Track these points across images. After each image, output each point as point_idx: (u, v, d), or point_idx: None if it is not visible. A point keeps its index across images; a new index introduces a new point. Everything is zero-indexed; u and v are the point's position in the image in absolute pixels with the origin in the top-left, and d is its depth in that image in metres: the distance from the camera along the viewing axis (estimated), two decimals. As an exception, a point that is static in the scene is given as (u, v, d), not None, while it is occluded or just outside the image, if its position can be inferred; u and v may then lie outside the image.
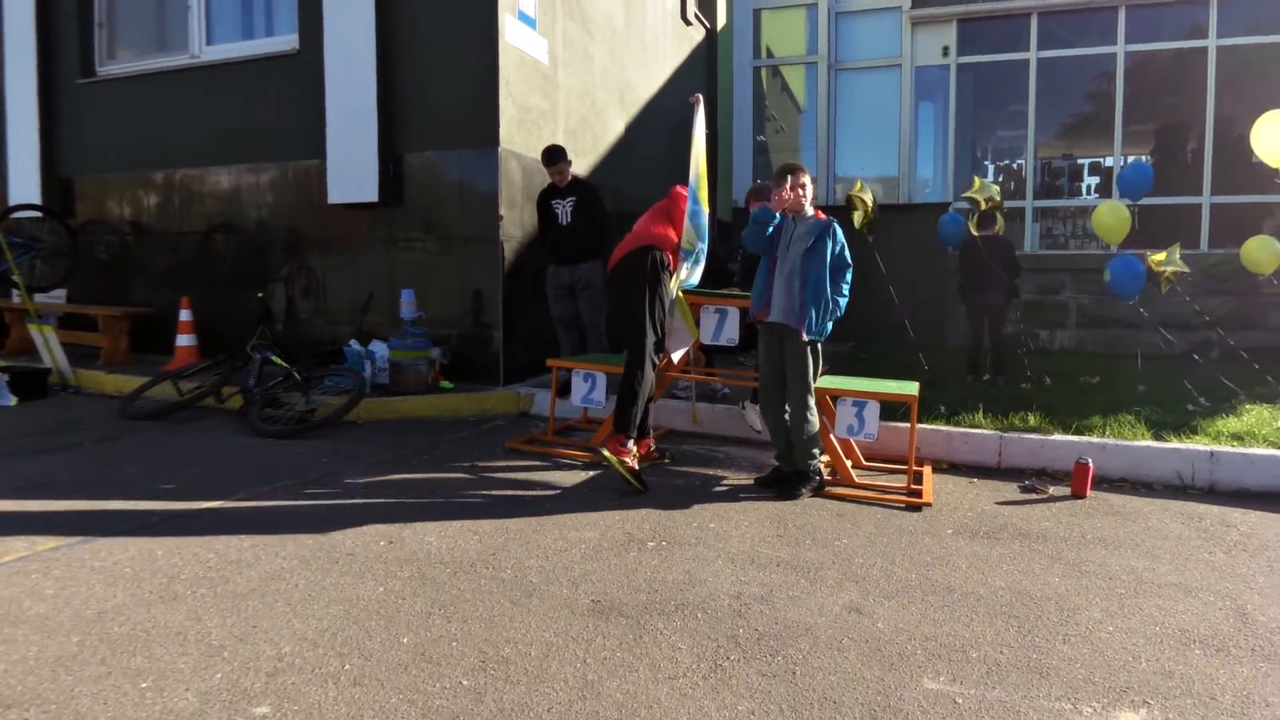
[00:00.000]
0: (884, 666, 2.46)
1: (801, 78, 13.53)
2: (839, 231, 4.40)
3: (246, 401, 5.80)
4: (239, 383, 5.96)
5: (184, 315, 7.25)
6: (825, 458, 4.60)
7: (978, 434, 5.14)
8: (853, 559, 3.40)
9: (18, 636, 2.50)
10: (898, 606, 2.91)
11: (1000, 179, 12.47)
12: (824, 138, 13.03)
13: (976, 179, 8.03)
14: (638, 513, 3.95)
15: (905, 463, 4.71)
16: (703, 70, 12.00)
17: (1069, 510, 4.20)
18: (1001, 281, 7.56)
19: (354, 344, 6.77)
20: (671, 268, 4.72)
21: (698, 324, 5.03)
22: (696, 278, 5.06)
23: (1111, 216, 6.91)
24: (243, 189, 7.62)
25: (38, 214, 8.17)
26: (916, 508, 4.18)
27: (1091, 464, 4.49)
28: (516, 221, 6.88)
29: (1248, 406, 5.73)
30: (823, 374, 4.72)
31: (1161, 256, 6.88)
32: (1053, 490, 4.53)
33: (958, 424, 5.30)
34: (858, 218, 7.23)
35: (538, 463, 4.93)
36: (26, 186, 8.43)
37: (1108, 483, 4.70)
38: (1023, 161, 12.38)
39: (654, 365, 4.61)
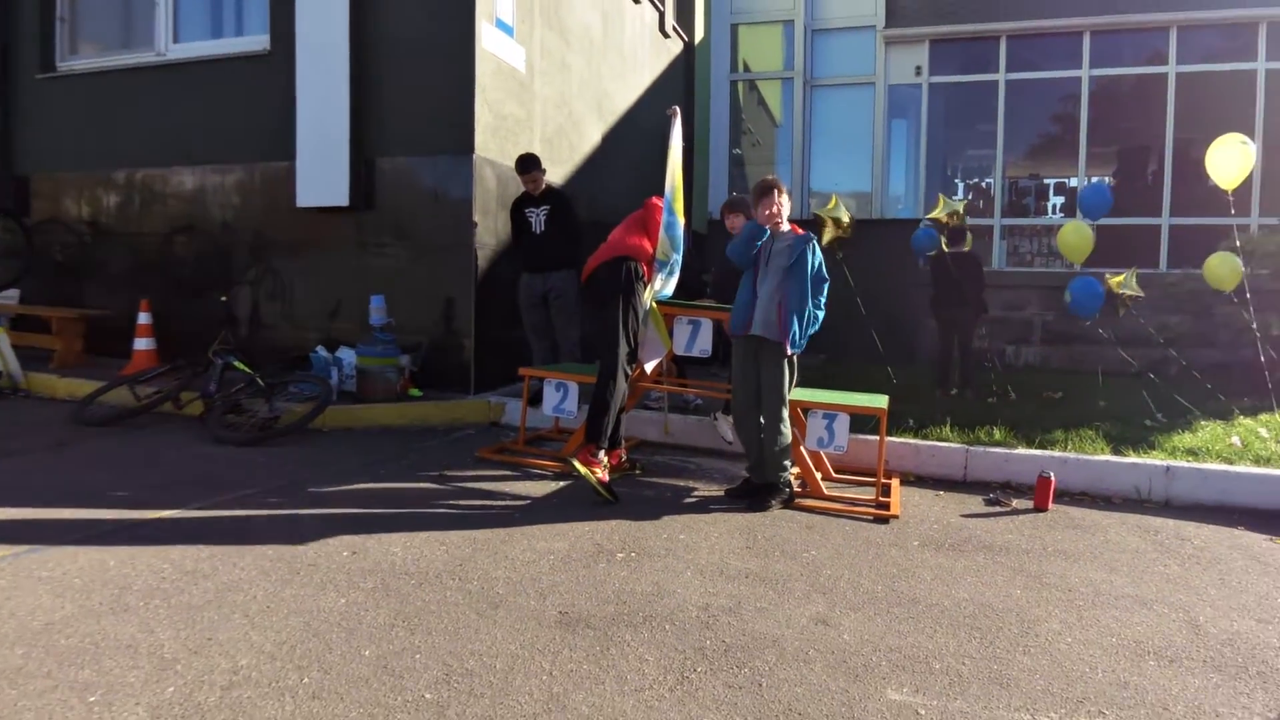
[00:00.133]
0: (849, 678, 2.47)
1: (777, 92, 13.65)
2: (817, 246, 4.47)
3: (207, 408, 5.69)
4: (199, 388, 5.84)
5: (143, 318, 7.11)
6: (795, 470, 4.62)
7: (944, 447, 5.19)
8: (820, 571, 3.41)
9: (-35, 646, 2.43)
10: (864, 618, 2.92)
11: (969, 196, 12.66)
12: (799, 152, 13.15)
13: (941, 199, 8.14)
14: (607, 524, 3.93)
15: (874, 475, 4.75)
16: (680, 83, 12.07)
17: (1031, 523, 4.25)
18: (970, 297, 7.67)
19: (321, 350, 6.69)
20: (646, 279, 4.73)
21: (671, 335, 5.04)
22: (670, 289, 5.06)
23: (1076, 236, 7.05)
24: (208, 190, 7.51)
25: (-8, 213, 7.99)
26: (884, 520, 4.21)
27: (1054, 478, 4.55)
28: (490, 229, 6.85)
29: (1202, 423, 5.84)
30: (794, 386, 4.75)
31: (1119, 279, 7.02)
32: (1016, 503, 4.58)
33: (925, 437, 5.35)
34: (826, 235, 7.29)
35: (508, 473, 4.89)
36: (-19, 184, 8.25)
37: (1069, 496, 4.76)
38: (991, 180, 12.58)
39: (627, 376, 4.60)
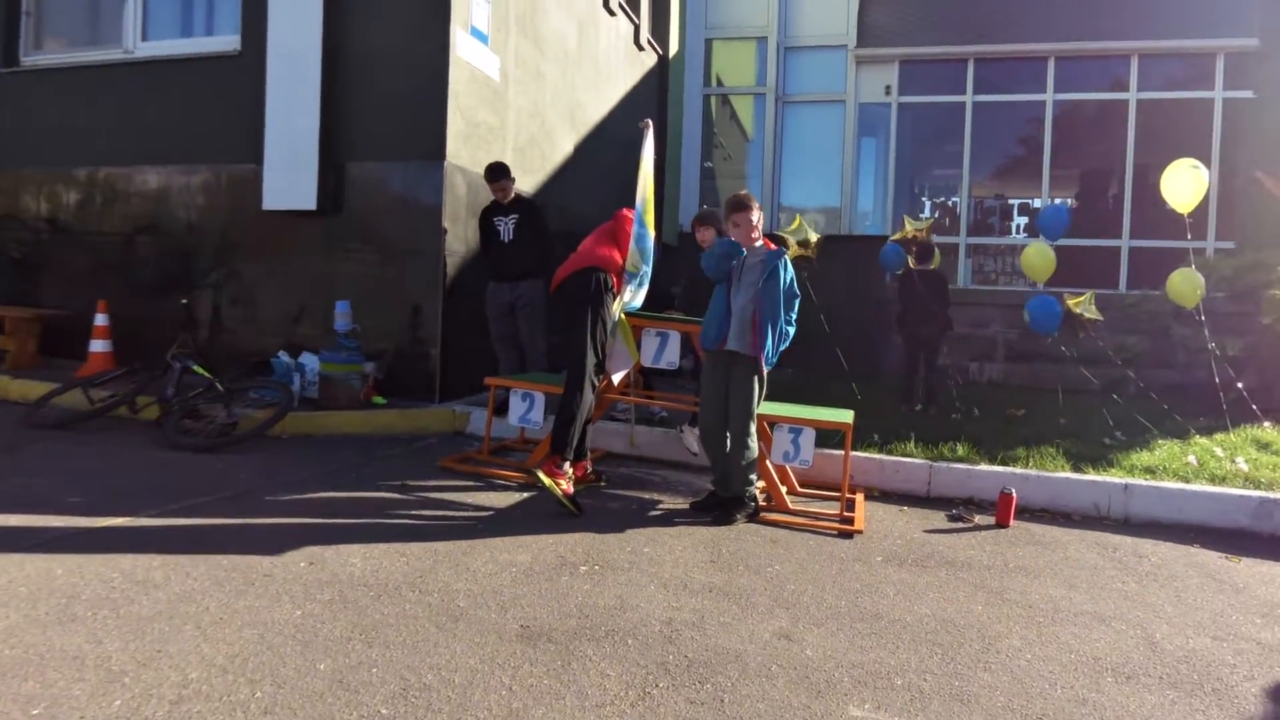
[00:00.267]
0: (811, 694, 2.46)
1: (750, 108, 13.77)
2: (789, 263, 4.49)
3: (163, 412, 5.57)
4: (156, 392, 5.71)
5: (99, 320, 6.96)
6: (761, 484, 4.62)
7: (909, 463, 5.22)
8: (784, 585, 3.40)
9: (-99, 656, 2.34)
10: (827, 633, 2.92)
11: (936, 215, 12.84)
12: (769, 167, 13.26)
13: (906, 221, 8.24)
14: (571, 536, 3.90)
15: (839, 490, 4.77)
16: (654, 95, 12.11)
17: (993, 539, 4.28)
18: (936, 315, 7.75)
19: (283, 355, 6.59)
20: (616, 290, 4.71)
21: (639, 346, 5.03)
22: (639, 300, 5.05)
23: (1039, 258, 7.18)
24: (172, 191, 7.38)
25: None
26: (848, 535, 4.22)
27: (1015, 494, 4.60)
28: (460, 237, 6.80)
29: (1160, 442, 5.93)
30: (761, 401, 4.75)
31: (1078, 301, 7.14)
32: (978, 519, 4.62)
33: (890, 453, 5.39)
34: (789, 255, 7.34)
35: (471, 483, 4.84)
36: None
37: (1030, 512, 4.81)
38: (957, 199, 12.78)
39: (593, 387, 4.58)
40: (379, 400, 6.40)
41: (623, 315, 4.86)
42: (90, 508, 3.86)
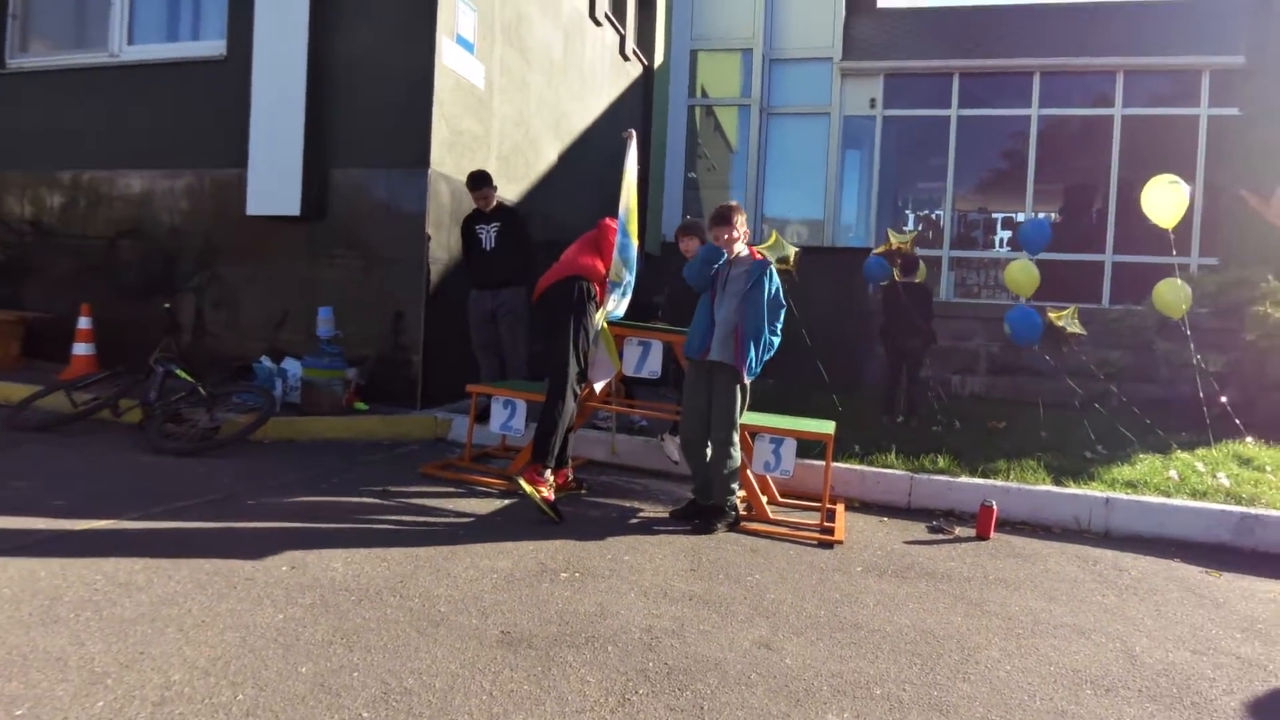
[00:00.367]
0: (790, 702, 2.47)
1: (734, 119, 13.84)
2: (774, 273, 4.47)
3: (146, 416, 5.53)
4: (139, 396, 5.68)
5: (83, 323, 6.90)
6: (742, 493, 4.63)
7: (889, 474, 5.25)
8: (764, 594, 3.42)
9: (-126, 659, 2.31)
10: (806, 643, 2.93)
11: (919, 228, 12.93)
12: (753, 179, 13.32)
13: (890, 233, 8.31)
14: (552, 543, 3.90)
15: (819, 500, 4.79)
16: (639, 105, 12.16)
17: (973, 551, 4.31)
18: (920, 327, 7.80)
19: (265, 360, 6.56)
20: (599, 299, 4.73)
21: (621, 356, 5.04)
22: (622, 310, 5.07)
23: (1023, 274, 7.28)
24: (156, 195, 7.35)
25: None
26: (829, 545, 4.23)
27: (996, 507, 4.63)
28: (443, 244, 6.80)
29: (1141, 456, 5.98)
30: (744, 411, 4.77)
31: (1060, 315, 7.21)
32: (959, 531, 4.65)
33: (871, 464, 5.41)
34: None
35: (452, 489, 4.83)
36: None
37: (1010, 525, 4.84)
38: (941, 212, 12.88)
39: (575, 396, 4.59)
40: (361, 406, 6.39)
41: (605, 324, 4.87)
42: (73, 510, 3.83)
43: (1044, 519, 4.91)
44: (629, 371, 5.10)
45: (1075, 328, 7.18)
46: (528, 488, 4.24)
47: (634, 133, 5.03)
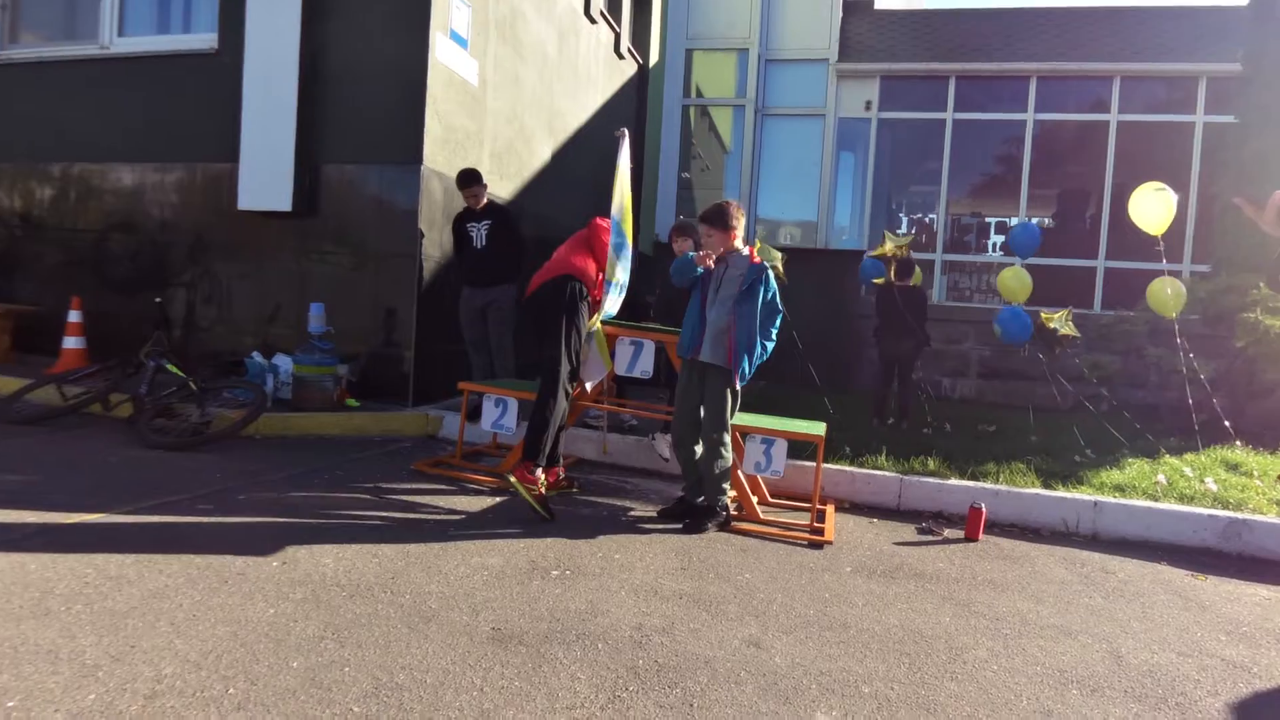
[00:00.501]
0: (779, 700, 2.48)
1: (729, 119, 13.84)
2: (771, 277, 4.40)
3: (136, 410, 5.52)
4: (129, 390, 5.66)
5: (73, 316, 6.88)
6: (732, 493, 4.64)
7: (880, 476, 5.27)
8: (754, 594, 3.43)
9: None
10: (795, 641, 2.94)
11: (913, 231, 12.96)
12: (747, 179, 13.33)
13: (887, 236, 8.33)
14: (543, 541, 3.91)
15: (810, 501, 4.80)
16: (633, 104, 12.16)
17: (962, 552, 4.33)
18: (914, 330, 7.82)
19: (257, 356, 6.54)
20: (591, 298, 4.72)
21: (613, 355, 5.04)
22: (616, 308, 5.07)
23: (1015, 281, 7.33)
24: (147, 188, 7.32)
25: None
26: (818, 545, 4.25)
27: (985, 509, 4.65)
28: (435, 241, 6.79)
29: (1130, 460, 6.01)
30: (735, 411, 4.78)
31: (1052, 317, 7.24)
32: (948, 533, 4.67)
33: (861, 465, 5.43)
34: None
35: (443, 486, 4.83)
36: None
37: (999, 527, 4.87)
38: (934, 216, 12.91)
39: (567, 395, 4.59)
40: (352, 403, 6.38)
41: (600, 325, 4.88)
42: (63, 504, 3.82)
43: (1032, 521, 4.94)
44: (621, 371, 5.10)
45: (1068, 329, 7.21)
46: (519, 485, 4.24)
47: (625, 131, 5.02)
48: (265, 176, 6.65)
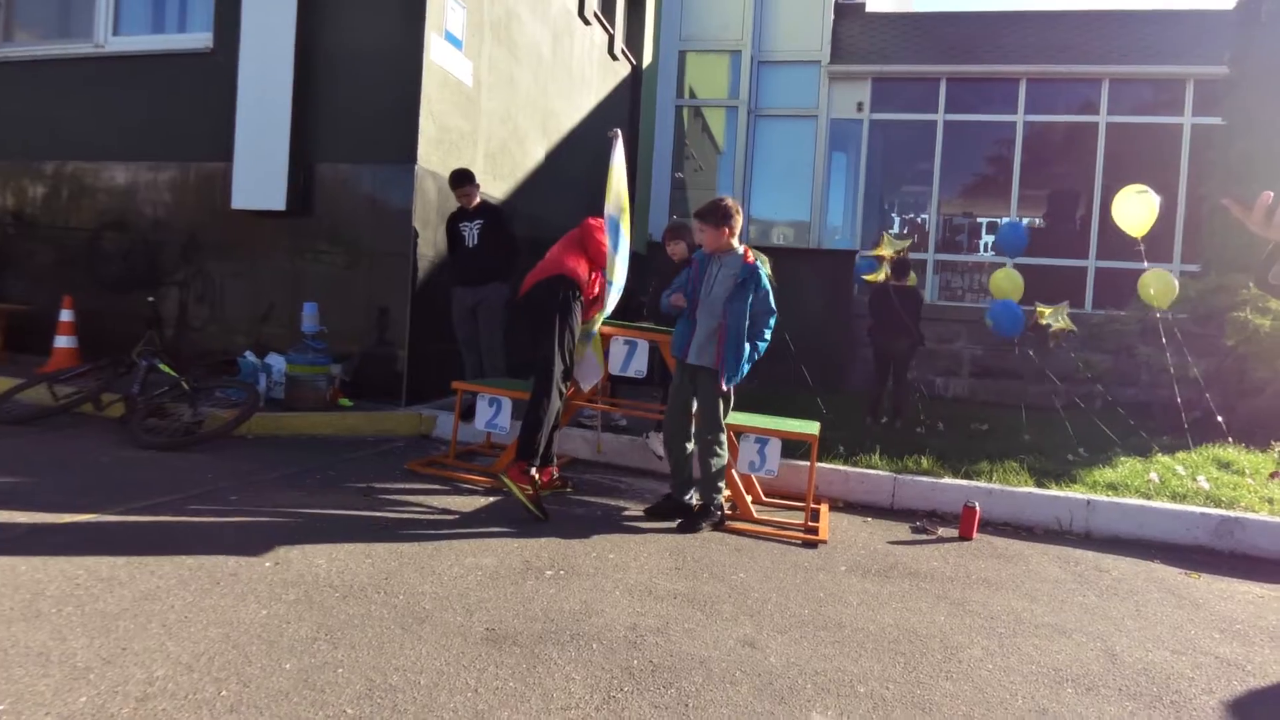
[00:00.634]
0: (774, 700, 2.48)
1: (722, 120, 13.87)
2: (763, 278, 4.34)
3: (128, 410, 5.49)
4: (121, 389, 5.63)
5: (65, 315, 6.85)
6: (727, 492, 4.64)
7: (873, 475, 5.28)
8: (749, 593, 3.43)
9: None
10: (790, 641, 2.94)
11: (905, 230, 13.00)
12: (740, 180, 13.35)
13: (886, 236, 8.34)
14: (537, 541, 3.90)
15: (804, 500, 4.80)
16: (626, 105, 12.16)
17: (956, 551, 4.34)
18: (910, 330, 7.83)
19: (249, 355, 6.52)
20: (585, 298, 4.71)
21: (607, 354, 5.04)
22: (611, 308, 5.06)
23: (1008, 282, 7.36)
24: (140, 187, 7.29)
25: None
26: (813, 544, 4.25)
27: (978, 508, 4.66)
28: (429, 241, 6.78)
29: (1123, 459, 6.03)
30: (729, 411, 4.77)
31: (1048, 311, 7.27)
32: (942, 532, 4.68)
33: (855, 465, 5.44)
34: None
35: (437, 486, 4.82)
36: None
37: (993, 526, 4.88)
38: (926, 216, 12.96)
39: (561, 394, 4.58)
40: (345, 402, 6.36)
41: (599, 328, 4.87)
42: (55, 504, 3.80)
43: (1026, 520, 4.95)
44: (615, 370, 5.10)
45: (1063, 323, 7.21)
46: (512, 485, 4.24)
47: (619, 132, 5.01)
48: (259, 175, 6.64)
